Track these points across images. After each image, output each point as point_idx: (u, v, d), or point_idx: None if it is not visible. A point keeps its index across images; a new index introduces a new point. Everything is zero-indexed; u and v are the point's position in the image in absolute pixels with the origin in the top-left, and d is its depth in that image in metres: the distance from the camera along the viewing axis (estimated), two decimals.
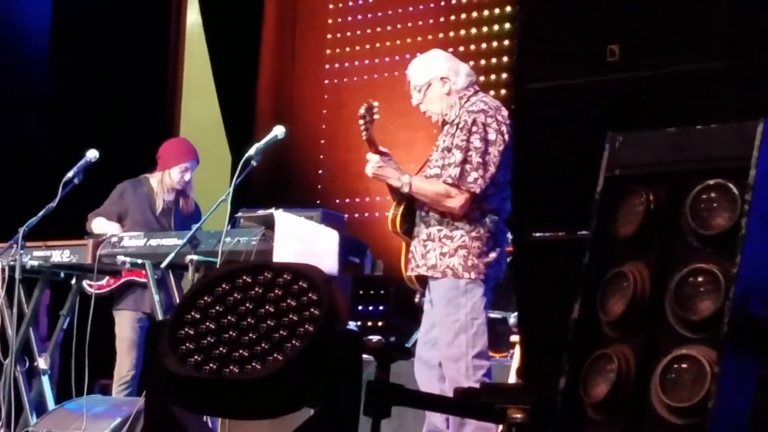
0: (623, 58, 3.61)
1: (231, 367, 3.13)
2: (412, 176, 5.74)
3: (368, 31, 10.20)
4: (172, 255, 6.21)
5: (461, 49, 9.29)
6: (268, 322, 3.18)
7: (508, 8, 9.34)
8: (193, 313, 3.25)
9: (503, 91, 8.60)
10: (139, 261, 6.61)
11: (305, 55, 10.50)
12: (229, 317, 3.22)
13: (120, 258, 6.61)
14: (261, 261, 5.58)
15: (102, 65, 10.08)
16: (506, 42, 9.29)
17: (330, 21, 10.47)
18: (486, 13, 9.52)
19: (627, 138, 3.16)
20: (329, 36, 10.44)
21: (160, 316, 6.52)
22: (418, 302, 6.00)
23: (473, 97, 5.74)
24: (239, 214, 6.35)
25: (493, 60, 9.27)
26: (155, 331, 3.35)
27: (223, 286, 3.29)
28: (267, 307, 3.20)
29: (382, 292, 9.72)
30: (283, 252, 5.84)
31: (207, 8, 10.77)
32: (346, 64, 10.31)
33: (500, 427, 5.27)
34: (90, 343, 6.54)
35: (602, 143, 3.19)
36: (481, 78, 6.28)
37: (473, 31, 9.50)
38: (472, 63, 7.68)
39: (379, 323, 9.57)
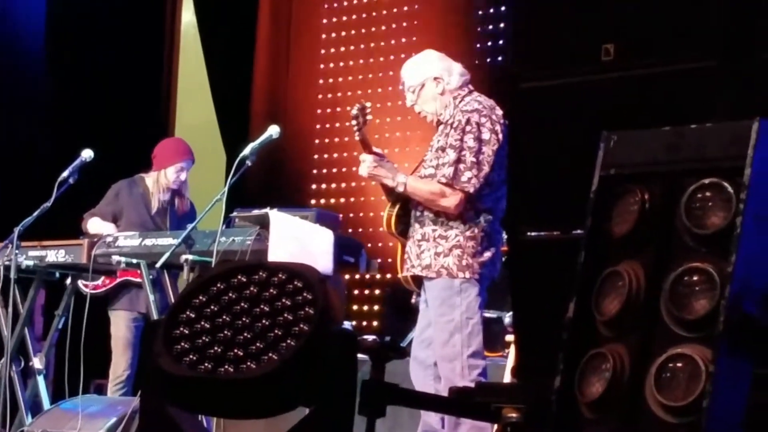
0: (618, 58, 3.61)
1: (226, 367, 3.13)
2: (407, 176, 5.74)
3: (362, 31, 10.20)
4: (167, 255, 6.21)
5: (455, 48, 9.29)
6: (263, 321, 3.18)
7: (503, 7, 9.34)
8: (188, 313, 3.25)
9: (497, 91, 8.60)
10: (134, 261, 6.60)
11: (300, 55, 10.50)
12: (224, 316, 3.22)
13: (115, 258, 6.60)
14: (256, 260, 5.58)
15: (97, 65, 10.08)
16: (500, 42, 9.29)
17: (324, 21, 10.46)
18: (480, 12, 9.52)
19: (622, 137, 3.16)
20: (323, 36, 10.44)
21: (155, 316, 6.51)
22: (415, 303, 6.00)
23: (467, 96, 5.74)
24: (234, 213, 6.35)
25: (488, 59, 9.28)
26: (150, 330, 3.35)
27: (218, 285, 3.29)
28: (262, 306, 3.21)
29: (376, 291, 9.72)
30: (278, 251, 5.84)
31: (202, 8, 10.77)
32: (341, 64, 10.31)
33: (495, 426, 5.29)
34: (85, 343, 6.54)
35: (597, 142, 3.19)
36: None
37: (467, 30, 9.49)
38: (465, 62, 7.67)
39: (374, 323, 9.57)
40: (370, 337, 5.39)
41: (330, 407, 3.19)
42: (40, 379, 7.18)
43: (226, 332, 3.19)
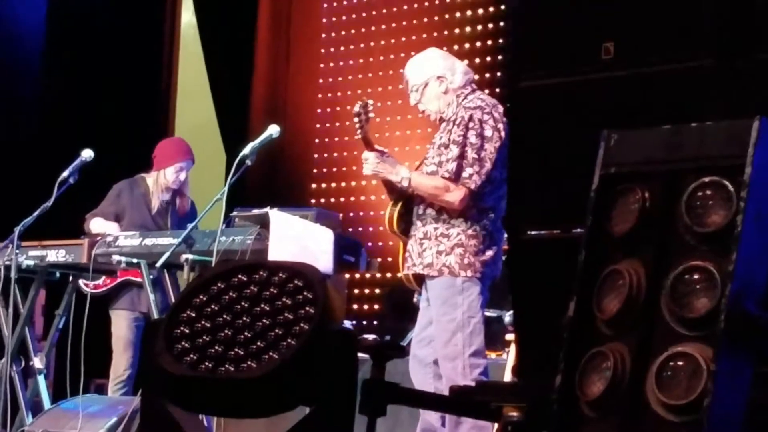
0: (618, 56, 3.61)
1: (226, 366, 3.13)
2: (411, 171, 5.73)
3: (362, 30, 10.20)
4: (167, 254, 6.21)
5: (455, 47, 9.30)
6: (264, 320, 3.18)
7: (502, 6, 9.35)
8: (188, 312, 3.25)
9: (497, 90, 8.61)
10: (135, 260, 6.60)
11: (299, 54, 10.50)
12: (225, 316, 3.22)
13: (115, 257, 6.60)
14: (256, 260, 5.58)
15: (97, 65, 10.08)
16: (500, 40, 9.29)
17: (324, 20, 10.47)
18: (480, 11, 9.53)
19: (622, 136, 3.16)
20: (323, 35, 10.45)
21: (155, 316, 6.51)
22: (416, 302, 6.00)
23: (471, 94, 5.75)
24: (234, 213, 6.35)
25: (488, 58, 9.28)
26: (151, 330, 3.35)
27: (219, 284, 3.29)
28: (262, 305, 3.20)
29: (377, 290, 9.73)
30: (278, 251, 5.84)
31: (201, 8, 10.77)
32: (341, 63, 10.31)
33: (496, 425, 5.29)
34: (85, 343, 6.54)
35: (597, 141, 3.19)
36: (476, 76, 6.27)
37: (467, 29, 9.51)
38: (466, 61, 7.68)
39: (374, 322, 9.57)
40: (371, 337, 5.40)
41: (330, 406, 3.19)
42: (41, 379, 7.18)
43: (226, 331, 3.19)
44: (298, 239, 5.96)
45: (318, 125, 10.33)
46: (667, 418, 2.88)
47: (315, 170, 10.31)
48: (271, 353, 3.11)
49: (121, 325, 7.36)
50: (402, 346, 3.64)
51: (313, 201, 10.02)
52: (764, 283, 2.91)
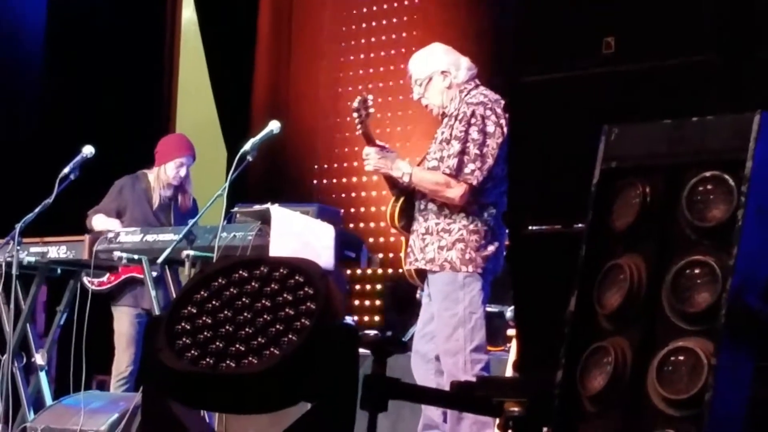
0: (619, 51, 3.61)
1: (227, 362, 3.13)
2: (412, 167, 5.74)
3: (363, 25, 10.19)
4: (168, 250, 6.21)
5: (456, 45, 9.28)
6: (265, 316, 3.18)
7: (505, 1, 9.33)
8: (189, 308, 3.25)
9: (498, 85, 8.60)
10: (136, 257, 6.61)
11: (301, 50, 10.50)
12: (226, 312, 3.22)
13: (117, 254, 6.61)
14: (257, 256, 5.58)
15: (98, 62, 10.07)
16: (503, 35, 9.27)
17: (325, 16, 10.46)
18: (483, 6, 9.51)
19: (623, 130, 3.16)
20: (324, 31, 10.44)
21: (157, 312, 6.52)
22: (419, 297, 6.00)
23: (474, 90, 5.74)
24: (235, 209, 6.35)
25: (490, 53, 9.26)
26: (152, 326, 3.35)
27: (220, 280, 3.29)
28: (263, 301, 3.21)
29: (378, 286, 9.73)
30: (279, 247, 5.84)
31: (202, 4, 10.77)
32: (342, 59, 10.30)
33: (497, 420, 5.29)
34: (87, 339, 6.54)
35: (598, 136, 3.18)
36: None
37: (469, 24, 9.49)
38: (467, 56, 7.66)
39: (375, 318, 9.57)
40: (372, 332, 5.40)
41: (332, 402, 3.19)
42: (42, 375, 7.19)
43: (227, 327, 3.19)
44: (299, 235, 5.96)
45: (319, 121, 10.33)
46: (668, 412, 2.88)
47: (316, 166, 10.31)
48: (272, 349, 3.11)
49: (123, 321, 7.36)
50: (403, 341, 3.65)
51: (314, 197, 10.01)
52: (765, 277, 2.91)
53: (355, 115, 5.87)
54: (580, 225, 3.25)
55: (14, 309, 6.98)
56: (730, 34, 3.52)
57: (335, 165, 10.20)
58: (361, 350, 3.29)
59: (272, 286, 3.23)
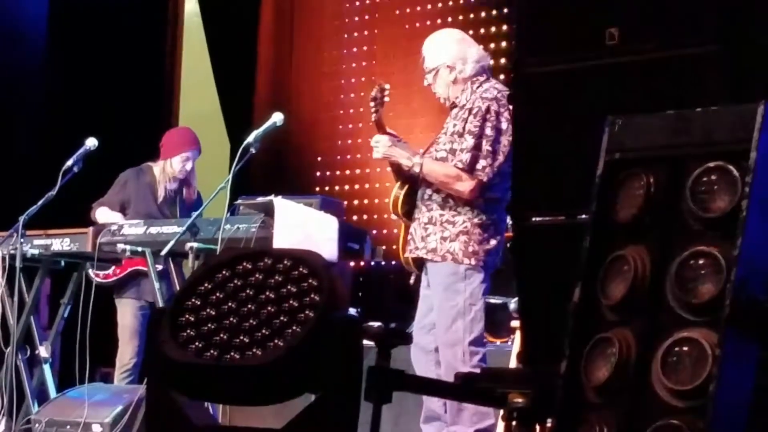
0: (622, 42, 3.60)
1: (231, 354, 3.14)
2: (423, 157, 5.73)
3: (366, 17, 10.19)
4: (171, 243, 6.21)
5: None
6: (269, 308, 3.18)
7: None
8: (193, 300, 3.25)
9: (502, 76, 8.60)
10: (139, 249, 6.61)
11: (303, 41, 10.49)
12: (230, 304, 3.22)
13: (120, 246, 6.61)
14: (260, 247, 5.58)
15: (101, 54, 10.07)
16: (504, 27, 9.28)
17: (327, 7, 10.45)
18: None
19: (626, 121, 3.15)
20: (327, 22, 10.43)
21: (161, 304, 6.52)
22: (413, 284, 6.00)
23: (486, 83, 5.72)
24: (239, 201, 6.35)
25: (492, 45, 9.26)
26: (156, 318, 3.35)
27: (224, 272, 3.29)
28: (267, 293, 3.21)
29: (381, 278, 9.72)
30: (283, 239, 5.84)
31: None
32: (344, 51, 10.30)
33: (501, 411, 5.29)
34: (91, 332, 6.55)
35: (601, 127, 3.18)
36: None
37: (471, 15, 9.49)
38: (481, 46, 7.65)
39: (379, 310, 9.57)
40: (376, 324, 5.39)
41: (336, 394, 3.19)
42: (46, 368, 7.20)
43: (231, 319, 3.19)
44: (303, 227, 5.96)
45: (322, 113, 10.32)
46: (672, 403, 2.88)
47: (319, 158, 10.31)
48: (276, 340, 3.12)
49: (127, 313, 7.36)
50: (408, 333, 3.65)
51: (317, 189, 10.01)
52: None
53: (371, 103, 5.89)
54: (583, 216, 3.24)
55: (18, 301, 6.99)
56: (731, 23, 3.52)
57: (338, 157, 10.19)
58: (365, 342, 3.29)
59: (276, 277, 3.23)
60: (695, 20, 3.55)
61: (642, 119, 3.14)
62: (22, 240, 6.87)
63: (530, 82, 3.85)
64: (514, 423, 3.41)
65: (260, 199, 6.18)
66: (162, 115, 10.60)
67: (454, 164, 5.58)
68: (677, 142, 3.05)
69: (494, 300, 6.63)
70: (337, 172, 10.19)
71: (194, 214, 6.39)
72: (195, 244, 6.19)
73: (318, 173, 10.27)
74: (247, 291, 3.23)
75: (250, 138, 6.12)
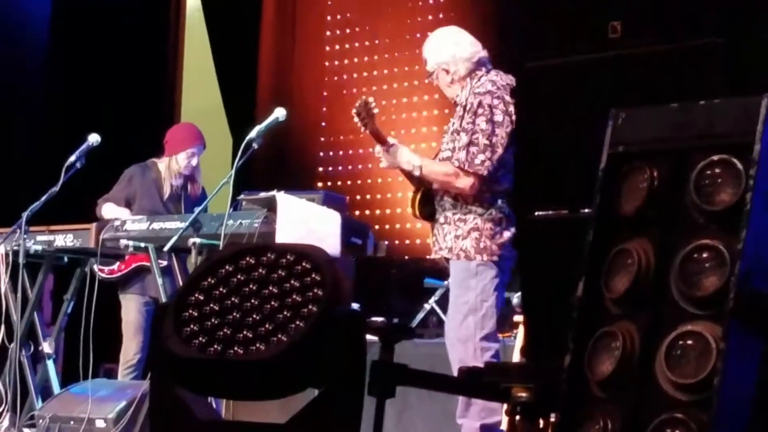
0: (625, 35, 3.60)
1: (235, 349, 3.13)
2: (423, 159, 5.73)
3: (368, 11, 10.18)
4: (174, 238, 6.21)
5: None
6: (272, 303, 3.18)
7: None
8: (196, 295, 3.25)
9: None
10: (142, 244, 6.61)
11: (306, 37, 10.49)
12: (233, 299, 3.22)
13: (123, 242, 6.61)
14: (263, 243, 5.58)
15: (103, 49, 10.07)
16: (509, 22, 9.26)
17: (330, 2, 10.45)
18: None
19: (630, 114, 3.15)
20: (329, 17, 10.43)
21: (164, 300, 6.52)
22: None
23: (484, 76, 5.71)
24: (241, 196, 6.35)
25: (495, 39, 9.24)
26: (159, 313, 3.35)
27: (227, 267, 3.29)
28: (270, 288, 3.20)
29: (384, 273, 9.72)
30: (286, 234, 5.84)
31: None
32: (347, 46, 10.29)
33: (504, 406, 5.29)
34: (94, 327, 6.55)
35: (604, 120, 3.18)
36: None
37: (472, 9, 9.47)
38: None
39: (383, 305, 9.57)
40: (379, 319, 5.39)
41: (339, 388, 3.19)
42: (50, 364, 7.21)
43: (234, 314, 3.19)
44: (305, 222, 5.96)
45: (324, 108, 10.32)
46: (676, 396, 2.87)
47: (322, 153, 10.31)
48: (279, 335, 3.11)
49: (132, 309, 7.36)
50: (411, 327, 3.64)
51: (320, 184, 10.02)
52: None
53: (356, 119, 5.89)
54: (587, 210, 3.24)
55: (21, 298, 6.99)
56: (733, 17, 3.52)
57: (341, 152, 10.19)
58: (369, 336, 3.29)
59: (279, 272, 3.23)
60: (697, 14, 3.55)
61: (645, 112, 3.14)
62: (25, 236, 6.87)
63: (533, 76, 3.85)
64: (517, 417, 3.41)
65: (263, 195, 6.18)
66: (164, 111, 10.60)
67: (451, 162, 5.58)
68: (681, 135, 3.04)
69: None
70: (340, 168, 10.18)
71: (197, 210, 6.39)
72: (198, 240, 6.19)
73: (320, 168, 10.27)
74: (250, 286, 3.23)
75: (253, 133, 6.11)
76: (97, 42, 10.08)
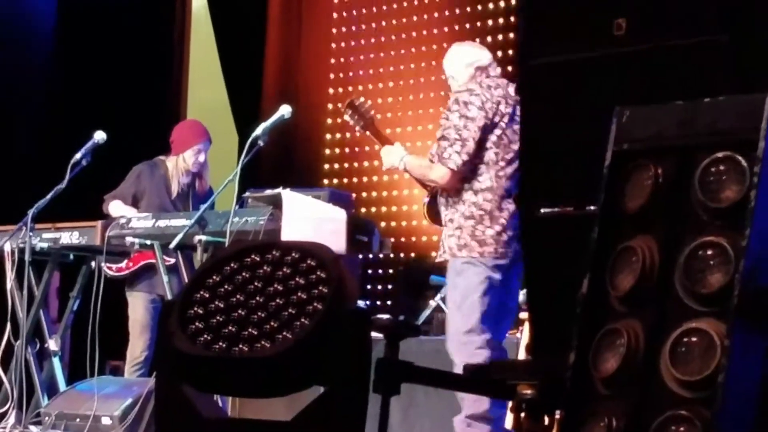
0: (630, 32, 3.60)
1: (240, 346, 3.14)
2: (408, 155, 5.82)
3: (374, 9, 10.18)
4: (180, 235, 6.22)
5: (467, 25, 9.27)
6: (277, 300, 3.18)
7: None
8: (202, 293, 3.25)
9: (509, 68, 8.60)
10: (148, 242, 6.62)
11: (311, 34, 10.48)
12: (238, 296, 3.22)
13: (129, 239, 6.62)
14: (269, 240, 5.58)
15: (109, 47, 10.08)
16: (512, 18, 9.26)
17: (336, 0, 10.45)
18: None
19: (634, 112, 3.15)
20: (335, 15, 10.43)
21: (170, 297, 6.53)
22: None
23: (479, 79, 5.77)
24: (247, 194, 6.36)
25: (500, 36, 9.25)
26: (165, 310, 3.36)
27: (232, 265, 3.29)
28: (275, 285, 3.20)
29: (390, 270, 9.74)
30: (291, 231, 5.85)
31: None
32: (353, 43, 10.29)
33: (510, 403, 5.30)
34: (101, 325, 6.56)
35: (609, 118, 3.18)
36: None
37: (479, 7, 9.47)
38: (478, 40, 7.65)
39: (388, 302, 9.58)
40: (384, 316, 5.41)
41: (344, 386, 3.19)
42: (56, 361, 7.21)
43: (240, 312, 3.19)
44: (311, 219, 5.97)
45: (330, 105, 10.32)
46: (681, 394, 2.88)
47: (327, 150, 10.31)
48: (284, 333, 3.11)
49: (138, 307, 7.37)
50: (416, 325, 3.65)
51: (325, 181, 10.02)
52: None
53: (350, 122, 5.97)
54: (592, 207, 3.24)
55: (27, 295, 7.00)
56: (737, 14, 3.51)
57: (347, 149, 10.19)
58: (374, 334, 3.29)
59: (284, 270, 3.23)
60: (701, 12, 3.54)
61: (650, 110, 3.14)
62: (31, 233, 6.88)
63: (537, 73, 3.85)
64: (522, 414, 3.42)
65: (268, 192, 6.19)
66: (170, 108, 10.60)
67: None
68: (685, 132, 3.04)
69: None
70: (346, 165, 10.19)
71: (202, 207, 6.40)
72: (203, 237, 6.20)
73: (326, 166, 10.28)
74: (255, 283, 3.23)
75: (258, 131, 6.12)
76: (102, 39, 10.08)
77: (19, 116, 9.79)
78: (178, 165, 7.46)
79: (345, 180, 10.07)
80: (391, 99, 9.64)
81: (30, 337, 7.10)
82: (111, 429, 6.38)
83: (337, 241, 5.87)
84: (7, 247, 7.00)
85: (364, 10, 10.25)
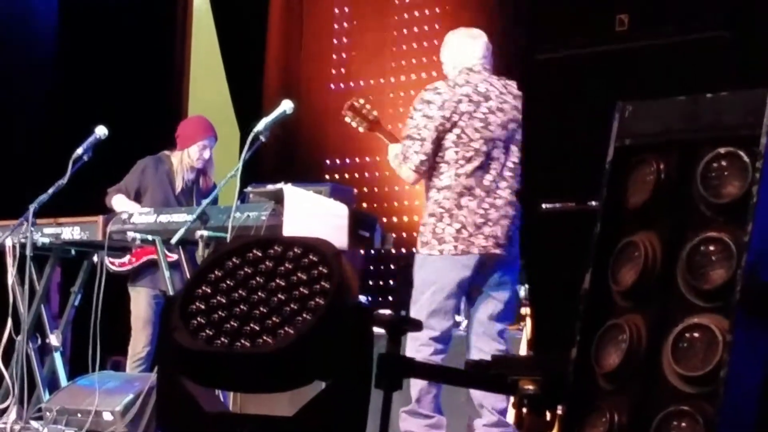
0: (632, 28, 3.60)
1: (242, 341, 3.13)
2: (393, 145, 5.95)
3: (375, 4, 10.16)
4: (181, 231, 6.21)
5: (470, 22, 9.25)
6: (279, 295, 3.18)
7: None
8: (203, 288, 3.25)
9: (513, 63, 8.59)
10: (150, 237, 6.61)
11: (312, 29, 10.47)
12: (240, 291, 3.22)
13: (130, 234, 6.61)
14: (271, 235, 5.58)
15: (111, 43, 10.07)
16: (516, 13, 9.24)
17: None
18: None
19: (637, 107, 3.15)
20: (336, 10, 10.42)
21: (171, 292, 6.53)
22: None
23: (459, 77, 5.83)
24: (248, 189, 6.35)
25: (501, 32, 9.23)
26: (167, 306, 3.35)
27: (233, 260, 3.28)
28: (277, 280, 3.20)
29: (392, 265, 9.72)
30: (293, 226, 5.84)
31: None
32: (354, 39, 10.28)
33: (512, 398, 5.29)
34: (102, 320, 6.55)
35: (611, 113, 3.17)
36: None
37: (482, 2, 9.45)
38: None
39: (389, 297, 9.57)
40: (386, 311, 5.41)
41: (346, 381, 3.19)
42: (57, 356, 7.21)
43: (242, 307, 3.19)
44: (313, 215, 5.97)
45: (332, 100, 10.31)
46: (683, 389, 2.88)
47: (329, 146, 10.30)
48: (286, 328, 3.11)
49: (141, 302, 7.37)
50: (418, 320, 3.64)
51: (327, 176, 10.01)
52: None
53: (353, 124, 6.04)
54: (594, 202, 3.24)
55: (29, 290, 6.99)
56: (740, 10, 3.51)
57: (348, 145, 10.18)
58: (376, 329, 3.29)
59: (286, 265, 3.22)
60: (704, 7, 3.54)
61: (652, 105, 3.13)
62: (32, 228, 6.87)
63: (541, 68, 3.85)
64: (524, 410, 3.42)
65: (270, 187, 6.18)
66: (172, 103, 10.60)
67: None
68: (687, 128, 3.04)
69: None
70: (347, 160, 10.18)
71: (204, 202, 6.39)
72: (205, 233, 6.19)
73: (328, 161, 10.27)
74: (257, 279, 3.23)
75: (260, 126, 6.11)
76: (105, 36, 10.08)
77: (20, 114, 9.78)
78: (183, 160, 7.45)
79: (347, 175, 10.06)
80: (393, 94, 9.63)
81: (31, 332, 7.10)
82: (112, 424, 6.38)
83: (339, 237, 5.87)
84: (9, 242, 6.99)
85: (365, 5, 10.23)
